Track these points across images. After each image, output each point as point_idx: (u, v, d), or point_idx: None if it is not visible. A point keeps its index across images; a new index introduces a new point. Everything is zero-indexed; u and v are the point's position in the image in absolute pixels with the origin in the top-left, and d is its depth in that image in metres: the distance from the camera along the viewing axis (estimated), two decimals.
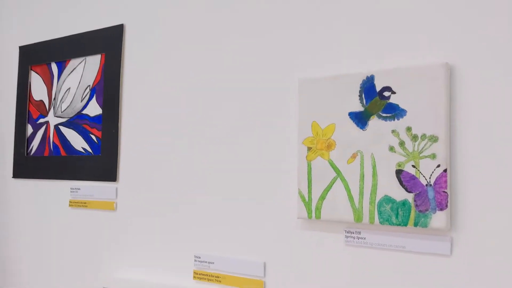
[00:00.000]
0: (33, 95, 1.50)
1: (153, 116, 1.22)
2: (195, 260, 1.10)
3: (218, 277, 1.06)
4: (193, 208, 1.12)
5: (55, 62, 1.44)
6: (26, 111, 1.50)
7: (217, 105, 1.10)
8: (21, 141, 1.50)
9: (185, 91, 1.16)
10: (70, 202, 1.36)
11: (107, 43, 1.31)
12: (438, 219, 0.81)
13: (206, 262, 1.08)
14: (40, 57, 1.48)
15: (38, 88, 1.48)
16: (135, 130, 1.25)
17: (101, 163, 1.30)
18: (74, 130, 1.37)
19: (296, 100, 0.99)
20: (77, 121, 1.37)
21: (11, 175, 1.53)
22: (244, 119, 1.06)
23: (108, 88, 1.30)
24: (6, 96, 1.56)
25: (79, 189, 1.34)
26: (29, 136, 1.49)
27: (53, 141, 1.42)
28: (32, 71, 1.51)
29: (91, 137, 1.33)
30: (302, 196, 0.95)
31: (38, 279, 1.42)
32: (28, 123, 1.50)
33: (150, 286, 1.13)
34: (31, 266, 1.44)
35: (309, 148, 0.95)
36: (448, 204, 0.81)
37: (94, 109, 1.34)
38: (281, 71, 1.01)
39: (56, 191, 1.40)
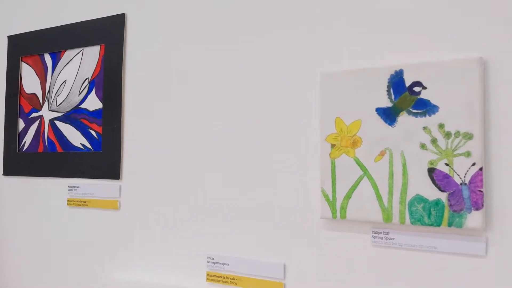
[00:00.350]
0: (24, 88, 1.41)
1: (159, 110, 1.16)
2: (208, 261, 1.06)
3: (234, 279, 1.02)
4: (206, 206, 1.07)
5: (49, 53, 1.37)
6: (17, 104, 1.42)
7: (233, 101, 1.05)
8: (11, 136, 1.42)
9: (195, 85, 1.11)
10: (68, 200, 1.29)
11: (107, 33, 1.25)
12: (473, 219, 0.78)
13: (220, 263, 1.04)
14: (31, 47, 1.40)
15: (30, 81, 1.40)
16: (139, 125, 1.19)
17: (103, 160, 1.23)
18: (72, 125, 1.30)
19: (318, 95, 0.95)
20: (75, 116, 1.30)
21: (1, 173, 1.45)
22: (263, 115, 1.01)
23: (108, 81, 1.23)
24: None
25: (78, 187, 1.27)
26: (21, 131, 1.41)
27: (48, 137, 1.35)
28: (23, 63, 1.42)
29: (90, 132, 1.26)
30: (325, 195, 0.91)
31: (33, 284, 1.35)
32: (19, 117, 1.42)
33: None
34: (24, 270, 1.37)
35: (332, 145, 0.91)
36: (484, 204, 0.78)
37: (93, 103, 1.27)
38: (301, 65, 0.97)
39: (53, 189, 1.33)
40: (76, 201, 1.27)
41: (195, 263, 1.08)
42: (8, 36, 1.46)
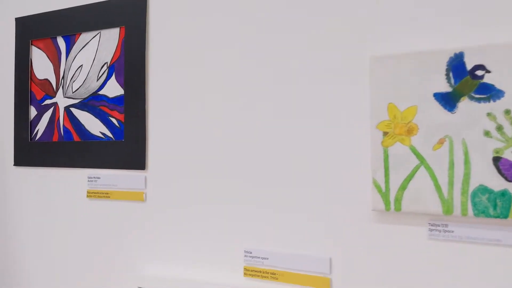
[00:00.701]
0: (35, 73, 1.33)
1: (186, 96, 1.09)
2: (245, 256, 1.00)
3: (274, 273, 0.97)
4: (241, 197, 1.02)
5: (62, 36, 1.28)
6: (28, 91, 1.34)
7: (274, 86, 0.99)
8: (23, 125, 1.35)
9: (228, 70, 1.04)
10: (88, 192, 1.22)
11: (128, 15, 1.17)
12: None
13: (259, 257, 0.99)
14: (42, 30, 1.32)
15: (41, 66, 1.32)
16: (164, 112, 1.12)
17: (126, 150, 1.17)
18: (90, 113, 1.23)
19: (367, 80, 0.89)
20: (93, 103, 1.22)
21: (12, 163, 1.37)
22: (308, 102, 0.95)
23: (130, 65, 1.16)
24: (2, 75, 1.39)
25: (99, 178, 1.21)
26: (33, 119, 1.34)
27: (63, 125, 1.27)
28: (33, 46, 1.34)
29: (111, 120, 1.20)
30: (377, 186, 0.86)
31: (50, 282, 1.29)
32: (31, 104, 1.34)
33: (193, 285, 1.03)
34: (40, 268, 1.30)
35: (385, 133, 0.86)
36: None
37: (113, 89, 1.20)
38: (349, 48, 0.91)
39: (70, 180, 1.26)
40: (97, 192, 1.21)
41: (230, 258, 1.03)
42: (16, 18, 1.37)
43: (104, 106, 1.20)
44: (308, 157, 0.94)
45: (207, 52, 1.06)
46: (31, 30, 1.34)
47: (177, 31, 1.11)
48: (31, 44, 1.34)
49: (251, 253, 1.00)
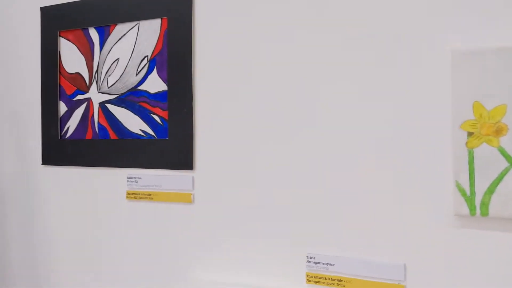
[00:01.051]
0: (64, 67, 1.26)
1: (237, 92, 1.03)
2: (307, 261, 0.95)
3: (341, 280, 0.92)
4: (302, 196, 0.96)
5: (94, 27, 1.20)
6: (57, 85, 1.26)
7: (341, 81, 0.93)
8: (52, 121, 1.27)
9: (287, 62, 0.98)
10: (128, 193, 1.16)
11: (170, 5, 1.09)
12: None
13: (323, 263, 0.94)
14: (71, 21, 1.24)
15: (72, 59, 1.25)
16: (213, 109, 1.06)
17: (170, 149, 1.10)
18: (128, 109, 1.16)
19: (448, 77, 0.83)
20: (132, 98, 1.15)
21: (40, 161, 1.30)
22: (382, 100, 0.89)
23: (174, 59, 1.09)
24: (28, 68, 1.31)
25: (140, 178, 1.14)
26: (63, 115, 1.26)
27: (98, 122, 1.20)
28: (61, 38, 1.26)
29: (152, 117, 1.13)
30: (461, 190, 0.81)
31: None
32: (60, 100, 1.26)
33: None
34: (77, 275, 1.24)
35: (470, 134, 0.81)
36: None
37: (155, 84, 1.13)
38: (427, 42, 0.85)
39: (107, 180, 1.19)
40: (138, 193, 1.15)
41: (291, 263, 0.98)
42: (41, 8, 1.28)
43: (145, 102, 1.14)
44: (382, 157, 0.89)
45: (261, 44, 1.00)
46: (59, 21, 1.26)
47: (225, 21, 1.04)
48: (59, 36, 1.26)
49: (314, 258, 0.95)
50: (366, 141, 0.90)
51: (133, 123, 1.15)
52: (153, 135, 1.13)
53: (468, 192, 0.81)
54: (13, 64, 1.33)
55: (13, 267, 1.34)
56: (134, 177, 1.15)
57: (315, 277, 0.95)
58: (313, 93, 0.95)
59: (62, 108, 1.26)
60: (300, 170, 0.96)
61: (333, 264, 0.93)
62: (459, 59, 0.81)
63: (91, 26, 1.21)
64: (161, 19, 1.11)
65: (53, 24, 1.27)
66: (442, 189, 0.84)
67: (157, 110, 1.12)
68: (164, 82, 1.11)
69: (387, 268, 0.89)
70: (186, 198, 1.08)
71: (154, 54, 1.12)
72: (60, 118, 1.26)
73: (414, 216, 0.86)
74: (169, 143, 1.10)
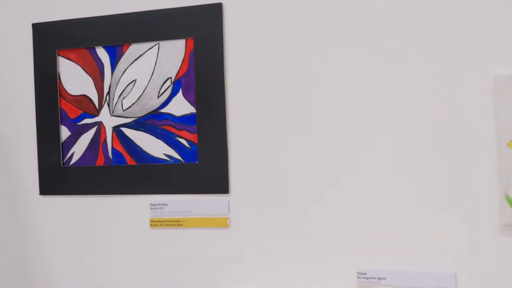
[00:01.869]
0: (66, 89, 1.17)
1: (270, 112, 1.04)
2: (358, 277, 0.98)
3: None
4: (345, 214, 0.99)
5: (103, 47, 1.14)
6: (57, 109, 1.17)
7: (383, 102, 0.97)
8: (52, 147, 1.18)
9: (323, 79, 1.00)
10: (151, 221, 1.11)
11: (198, 25, 1.07)
12: None
13: (374, 278, 0.98)
14: (73, 39, 1.16)
15: (75, 80, 1.17)
16: (247, 130, 1.05)
17: (200, 173, 1.07)
18: (148, 133, 1.11)
19: (492, 99, 0.91)
20: (153, 122, 1.11)
21: (38, 192, 1.19)
22: (427, 116, 0.95)
23: (203, 81, 1.07)
24: (20, 90, 1.20)
25: (165, 204, 1.10)
26: (65, 140, 1.17)
27: (112, 147, 1.14)
28: (60, 57, 1.17)
29: (178, 141, 1.09)
30: (510, 201, 0.89)
31: None
32: (61, 124, 1.17)
33: None
34: None
35: None
36: None
37: (180, 107, 1.09)
38: (471, 65, 0.92)
39: (124, 209, 1.13)
40: (164, 221, 1.10)
41: (341, 282, 1.00)
42: (33, 24, 1.19)
43: (169, 125, 1.10)
44: (432, 172, 0.94)
45: (295, 58, 1.01)
46: (57, 39, 1.17)
47: (257, 39, 1.04)
48: (58, 55, 1.17)
49: (365, 274, 0.98)
50: (416, 158, 0.95)
51: (155, 147, 1.11)
52: (179, 159, 1.09)
53: None
54: (1, 84, 1.21)
55: None
56: (159, 204, 1.10)
57: None
58: (357, 115, 0.98)
59: (65, 132, 1.17)
60: (342, 189, 0.99)
61: (385, 278, 0.97)
62: (502, 82, 0.89)
63: (98, 45, 1.14)
64: (186, 39, 1.08)
65: (49, 42, 1.17)
66: (489, 201, 0.91)
67: (184, 133, 1.09)
68: (192, 105, 1.08)
69: (438, 278, 0.94)
70: (222, 223, 1.06)
71: (179, 75, 1.09)
72: (62, 143, 1.17)
73: (463, 227, 0.93)
74: (200, 167, 1.07)
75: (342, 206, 0.99)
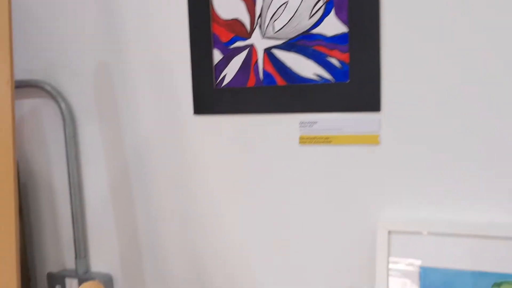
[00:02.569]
0: (218, 13, 1.23)
1: (428, 31, 1.02)
2: None
3: None
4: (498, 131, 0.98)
5: None
6: (210, 33, 1.24)
7: None
8: (205, 70, 1.26)
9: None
10: (301, 138, 1.17)
11: None
12: None
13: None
14: None
15: (227, 5, 1.22)
16: (402, 50, 1.05)
17: (351, 91, 1.10)
18: (299, 54, 1.15)
19: None
20: (304, 43, 1.14)
21: (192, 112, 1.29)
22: None
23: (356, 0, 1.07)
24: (174, 15, 1.28)
25: (315, 122, 1.15)
26: (218, 63, 1.25)
27: (263, 69, 1.19)
28: None
29: (329, 61, 1.12)
30: None
31: (262, 242, 1.25)
32: (214, 47, 1.25)
33: (448, 224, 1.01)
34: (249, 230, 1.26)
35: None
36: None
37: (332, 26, 1.11)
38: None
39: (274, 127, 1.20)
40: (314, 138, 1.15)
41: (494, 195, 1.00)
42: None
43: (320, 45, 1.12)
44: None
45: None
46: None
47: None
48: None
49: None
50: None
51: (305, 67, 1.15)
52: (329, 79, 1.12)
53: None
54: (157, 11, 1.30)
55: (167, 222, 1.35)
56: (309, 122, 1.15)
57: None
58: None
59: (217, 56, 1.24)
60: (488, 109, 0.98)
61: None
62: None
63: None
64: None
65: None
66: None
67: (335, 53, 1.11)
68: (344, 24, 1.09)
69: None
70: (372, 140, 1.09)
71: None
72: (215, 66, 1.25)
73: None
74: (350, 86, 1.10)
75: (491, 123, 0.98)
